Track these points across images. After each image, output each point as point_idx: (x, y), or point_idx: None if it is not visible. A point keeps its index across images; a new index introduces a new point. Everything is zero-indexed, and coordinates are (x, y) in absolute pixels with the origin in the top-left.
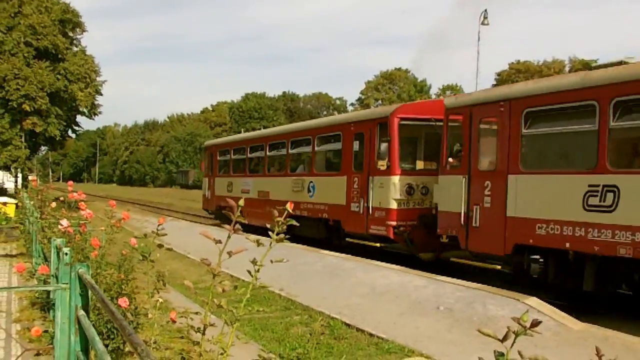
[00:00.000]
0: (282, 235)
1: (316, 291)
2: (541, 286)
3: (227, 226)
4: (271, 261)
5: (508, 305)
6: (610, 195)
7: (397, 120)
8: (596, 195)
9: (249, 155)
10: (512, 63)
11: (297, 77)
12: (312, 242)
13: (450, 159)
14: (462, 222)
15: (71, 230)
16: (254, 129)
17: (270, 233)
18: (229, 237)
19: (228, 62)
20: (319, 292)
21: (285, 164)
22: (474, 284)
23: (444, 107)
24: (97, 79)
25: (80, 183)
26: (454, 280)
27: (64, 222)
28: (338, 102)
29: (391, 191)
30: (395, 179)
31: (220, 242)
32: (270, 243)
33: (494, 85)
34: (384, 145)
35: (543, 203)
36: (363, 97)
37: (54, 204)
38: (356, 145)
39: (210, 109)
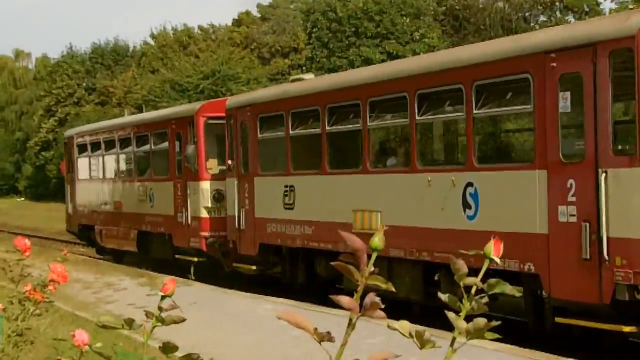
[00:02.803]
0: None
1: None
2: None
3: (344, 300)
4: None
5: None
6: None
7: (202, 120)
8: (287, 195)
9: (105, 152)
10: None
11: None
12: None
13: (229, 162)
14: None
15: None
16: (353, 64)
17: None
18: (352, 325)
19: None
20: None
21: (133, 167)
22: None
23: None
24: None
25: None
26: None
27: None
28: None
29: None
30: (205, 184)
31: (330, 337)
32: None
33: None
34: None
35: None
36: None
37: None
38: (177, 146)
39: (258, 15)
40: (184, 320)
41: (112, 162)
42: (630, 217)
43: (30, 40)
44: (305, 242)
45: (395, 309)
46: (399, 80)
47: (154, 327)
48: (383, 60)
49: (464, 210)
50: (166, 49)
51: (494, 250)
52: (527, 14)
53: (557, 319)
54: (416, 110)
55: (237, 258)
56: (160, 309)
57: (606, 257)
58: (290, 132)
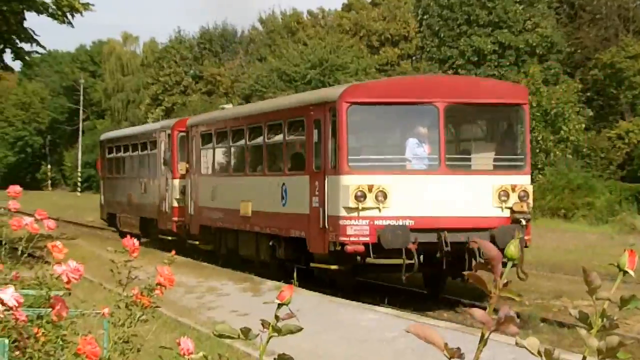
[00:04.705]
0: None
1: None
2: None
3: (477, 313)
4: None
5: None
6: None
7: (176, 133)
8: (213, 190)
9: (123, 154)
10: None
11: None
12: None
13: (187, 165)
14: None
15: (22, 317)
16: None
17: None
18: (484, 341)
19: None
20: None
21: (137, 166)
22: None
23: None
24: None
25: (31, 191)
26: None
27: (7, 295)
28: None
29: (173, 192)
30: (176, 181)
31: (460, 354)
32: None
33: None
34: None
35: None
36: None
37: None
38: (162, 152)
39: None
40: (300, 329)
41: (125, 163)
42: (333, 203)
43: (139, 22)
44: (221, 224)
45: (260, 269)
46: (259, 115)
47: (270, 338)
48: (495, 51)
49: (281, 200)
50: (274, 35)
51: (628, 262)
52: None
53: (312, 264)
54: (265, 136)
55: (192, 237)
56: (277, 317)
57: (327, 226)
58: (215, 146)
